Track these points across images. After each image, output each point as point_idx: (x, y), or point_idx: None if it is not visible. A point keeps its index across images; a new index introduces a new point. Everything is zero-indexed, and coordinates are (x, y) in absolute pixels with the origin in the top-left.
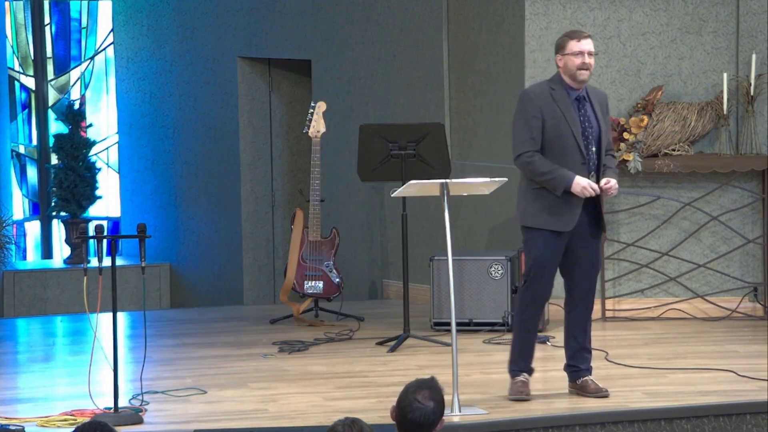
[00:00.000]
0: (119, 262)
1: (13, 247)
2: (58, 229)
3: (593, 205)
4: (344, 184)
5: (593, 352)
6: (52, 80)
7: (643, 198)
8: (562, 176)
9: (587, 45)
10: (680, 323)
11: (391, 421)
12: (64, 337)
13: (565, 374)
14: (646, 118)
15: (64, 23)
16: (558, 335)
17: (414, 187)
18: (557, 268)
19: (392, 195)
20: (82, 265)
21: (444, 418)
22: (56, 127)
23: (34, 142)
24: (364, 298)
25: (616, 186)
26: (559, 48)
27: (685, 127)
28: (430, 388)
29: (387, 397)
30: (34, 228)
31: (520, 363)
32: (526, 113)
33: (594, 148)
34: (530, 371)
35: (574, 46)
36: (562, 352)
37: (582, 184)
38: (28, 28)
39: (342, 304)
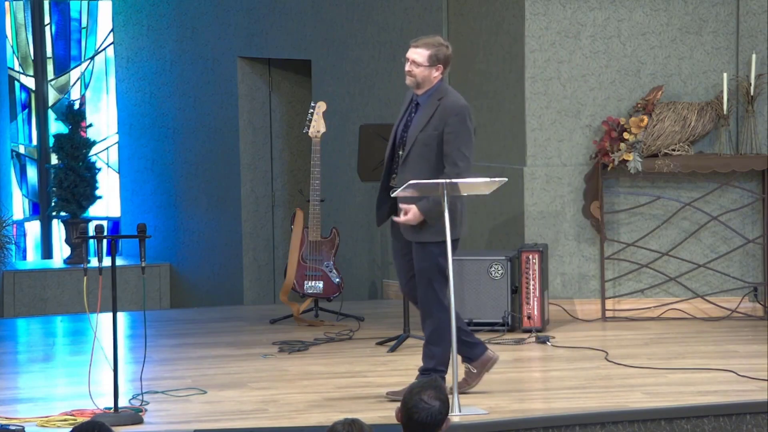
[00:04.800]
0: (119, 262)
1: (13, 247)
2: (58, 229)
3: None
4: (344, 184)
5: (593, 351)
6: (52, 80)
7: (643, 198)
8: None
9: (411, 53)
10: (680, 323)
11: (392, 422)
12: (64, 337)
13: (565, 374)
14: (646, 118)
15: (64, 23)
16: (558, 335)
17: (414, 187)
18: (404, 268)
19: (392, 195)
20: (82, 265)
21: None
22: (56, 127)
23: (34, 142)
24: (364, 298)
25: (410, 218)
26: None
27: (685, 127)
28: (434, 387)
29: (387, 397)
30: (34, 228)
31: None
32: None
33: (401, 152)
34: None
35: None
36: (561, 352)
37: None
38: (28, 28)
39: (342, 304)
